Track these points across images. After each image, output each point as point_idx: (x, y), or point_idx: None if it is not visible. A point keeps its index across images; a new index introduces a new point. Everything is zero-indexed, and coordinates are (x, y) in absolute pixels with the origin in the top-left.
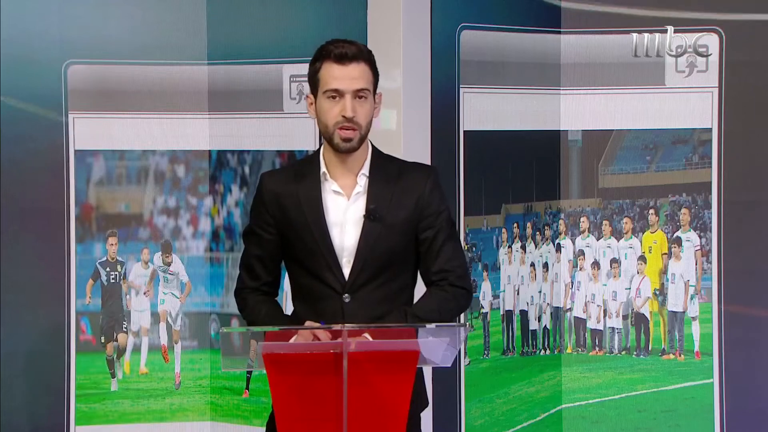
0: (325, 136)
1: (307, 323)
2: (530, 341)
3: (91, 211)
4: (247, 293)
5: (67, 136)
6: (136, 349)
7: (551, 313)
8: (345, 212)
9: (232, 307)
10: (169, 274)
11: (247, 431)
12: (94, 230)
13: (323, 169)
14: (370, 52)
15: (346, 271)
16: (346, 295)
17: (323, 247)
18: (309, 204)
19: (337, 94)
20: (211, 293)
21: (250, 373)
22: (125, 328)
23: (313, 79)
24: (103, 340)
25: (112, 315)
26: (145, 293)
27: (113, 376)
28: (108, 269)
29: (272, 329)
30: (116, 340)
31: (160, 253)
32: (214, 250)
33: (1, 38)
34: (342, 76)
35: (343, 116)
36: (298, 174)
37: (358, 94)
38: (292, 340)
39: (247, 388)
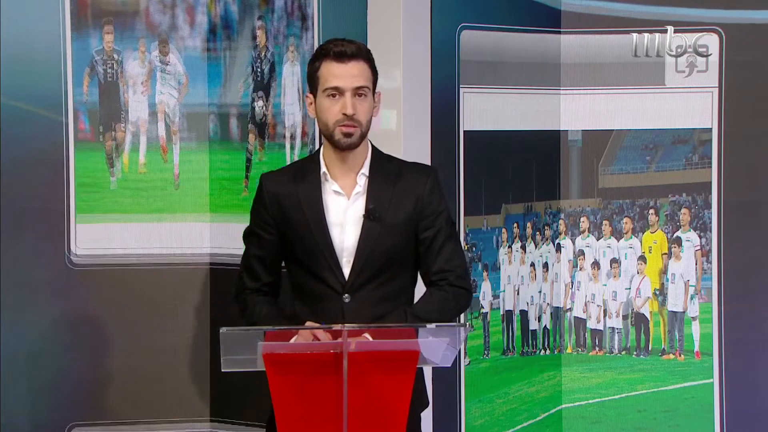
0: (326, 134)
1: (308, 324)
2: (530, 341)
3: (87, 2)
4: (247, 294)
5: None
6: (135, 146)
7: (551, 313)
8: (345, 212)
9: (229, 99)
10: (167, 73)
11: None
12: (90, 21)
13: (323, 169)
14: (369, 50)
15: (346, 271)
16: (346, 295)
17: (323, 247)
18: (309, 204)
19: (337, 92)
20: (209, 89)
21: (249, 164)
22: (123, 123)
23: (313, 78)
24: (101, 135)
25: (111, 111)
26: (142, 91)
27: (112, 171)
28: (105, 59)
29: (272, 329)
30: (115, 138)
31: (157, 47)
32: (212, 46)
33: (1, 39)
34: (341, 74)
35: (344, 114)
36: (298, 174)
37: (357, 92)
38: (292, 341)
39: (246, 185)
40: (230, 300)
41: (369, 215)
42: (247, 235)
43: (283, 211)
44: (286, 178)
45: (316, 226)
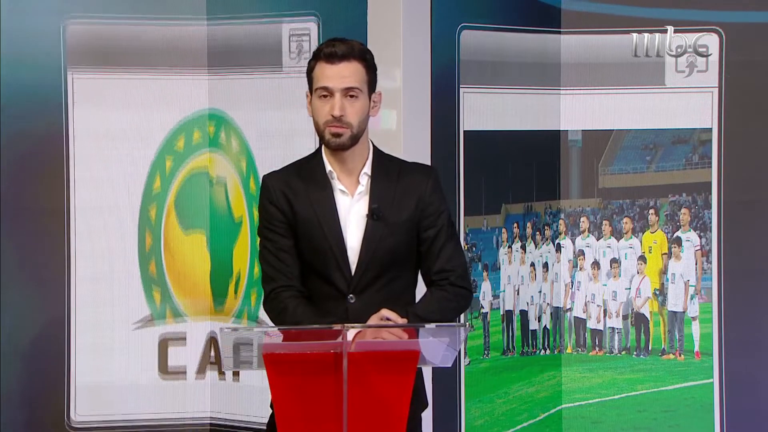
0: (318, 133)
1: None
2: (530, 341)
3: None
4: (279, 292)
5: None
6: None
7: (551, 313)
8: (349, 211)
9: None
10: None
11: None
12: None
13: (328, 168)
14: (365, 50)
15: (351, 270)
16: (351, 295)
17: (335, 247)
18: (321, 203)
19: (328, 92)
20: None
21: None
22: None
23: (309, 78)
24: None
25: None
26: None
27: None
28: None
29: (272, 329)
30: None
31: None
32: None
33: (2, 38)
34: (331, 74)
35: (332, 115)
36: (302, 173)
37: (348, 93)
38: None
39: None
40: None
41: (373, 214)
42: (261, 238)
43: (293, 207)
44: (289, 176)
45: (328, 225)
